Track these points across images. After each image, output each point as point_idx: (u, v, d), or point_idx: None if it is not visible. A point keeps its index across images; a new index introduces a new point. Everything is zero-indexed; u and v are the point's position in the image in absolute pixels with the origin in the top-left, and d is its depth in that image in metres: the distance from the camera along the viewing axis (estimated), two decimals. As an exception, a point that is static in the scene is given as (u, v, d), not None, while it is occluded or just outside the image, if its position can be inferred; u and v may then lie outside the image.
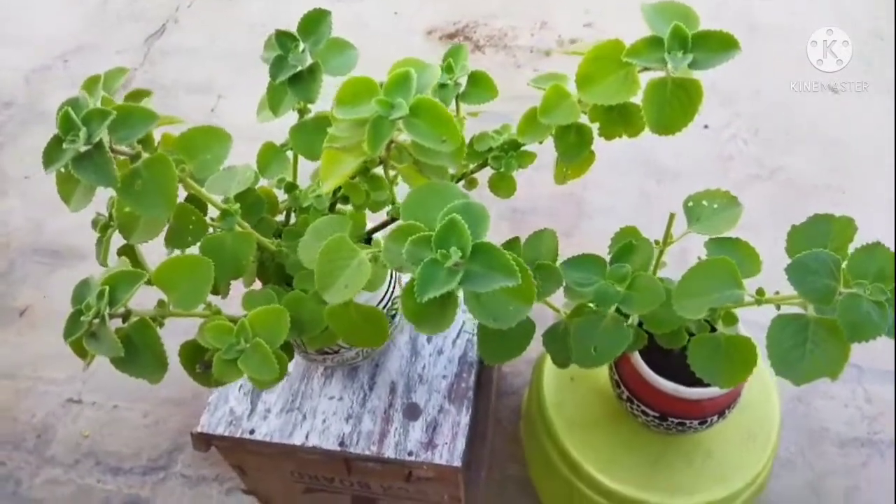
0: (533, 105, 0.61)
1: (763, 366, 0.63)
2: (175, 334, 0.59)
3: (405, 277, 0.86)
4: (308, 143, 0.66)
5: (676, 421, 0.78)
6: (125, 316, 0.56)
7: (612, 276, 0.65)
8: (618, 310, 0.65)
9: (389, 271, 0.75)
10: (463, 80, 0.66)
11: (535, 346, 0.66)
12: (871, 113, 1.61)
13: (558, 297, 0.67)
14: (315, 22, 0.63)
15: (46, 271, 1.53)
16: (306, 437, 0.82)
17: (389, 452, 0.80)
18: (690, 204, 0.69)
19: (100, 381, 1.34)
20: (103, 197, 0.60)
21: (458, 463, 0.79)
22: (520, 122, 0.62)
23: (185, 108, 1.78)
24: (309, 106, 0.66)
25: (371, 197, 0.66)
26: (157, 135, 0.59)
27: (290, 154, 0.72)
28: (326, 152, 0.55)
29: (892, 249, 0.54)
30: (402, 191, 0.65)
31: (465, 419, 0.82)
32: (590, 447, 0.88)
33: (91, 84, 0.57)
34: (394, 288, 0.79)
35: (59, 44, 2.01)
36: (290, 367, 0.87)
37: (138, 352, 0.55)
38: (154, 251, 0.65)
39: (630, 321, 0.65)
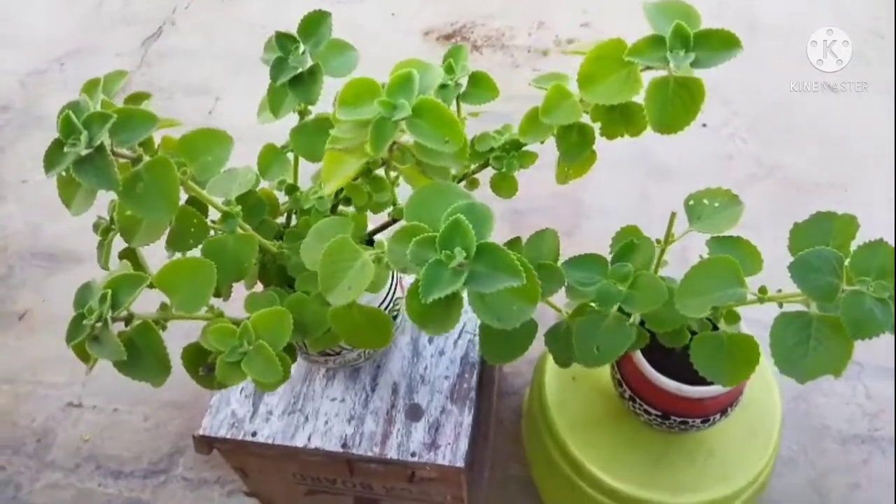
0: (531, 105, 0.61)
1: (764, 363, 0.63)
2: (175, 337, 0.59)
3: (406, 279, 0.86)
4: (309, 145, 0.66)
5: (679, 419, 0.78)
6: (128, 319, 0.56)
7: (615, 275, 0.65)
8: (620, 309, 0.65)
9: (391, 272, 0.75)
10: (463, 81, 0.66)
11: (536, 346, 0.66)
12: (871, 112, 1.61)
13: (559, 297, 0.67)
14: (315, 23, 0.63)
15: (45, 275, 1.52)
16: (308, 438, 0.82)
17: (392, 453, 0.80)
18: (691, 203, 0.69)
19: (100, 384, 1.34)
20: (102, 201, 0.60)
21: (461, 463, 0.79)
22: (521, 122, 0.62)
23: (183, 111, 1.78)
24: (309, 107, 0.66)
25: (373, 198, 0.66)
26: (156, 138, 0.59)
27: (290, 156, 0.72)
28: (329, 154, 0.55)
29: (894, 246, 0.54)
30: (402, 192, 0.65)
31: (467, 419, 0.82)
32: (592, 446, 0.88)
33: (91, 87, 0.57)
34: (395, 289, 0.79)
35: (55, 47, 2.00)
36: (292, 369, 0.87)
37: (141, 355, 0.55)
38: (155, 254, 0.65)
39: (632, 320, 0.65)
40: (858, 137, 1.57)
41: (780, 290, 0.60)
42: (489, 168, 0.70)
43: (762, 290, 0.60)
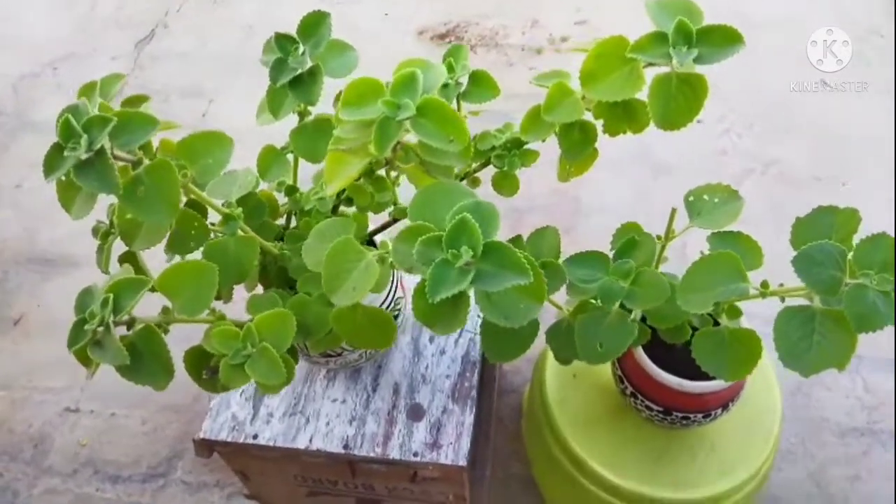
0: (527, 103, 0.61)
1: (764, 358, 0.63)
2: (176, 341, 0.58)
3: (407, 278, 0.85)
4: (309, 146, 0.65)
5: (681, 415, 0.78)
6: (129, 323, 0.56)
7: (616, 272, 0.65)
8: (622, 306, 0.65)
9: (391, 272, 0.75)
10: (464, 80, 0.66)
11: (536, 344, 0.66)
12: (871, 112, 1.62)
13: (560, 295, 0.67)
14: (314, 24, 0.62)
15: (40, 280, 1.51)
16: (310, 440, 0.82)
17: (394, 454, 0.80)
18: (691, 198, 0.69)
19: (97, 389, 1.33)
20: (101, 205, 0.59)
21: (463, 462, 0.79)
22: (523, 120, 0.62)
23: (177, 113, 1.77)
24: (309, 108, 0.66)
25: (375, 198, 0.66)
26: (154, 141, 0.59)
27: (290, 157, 0.71)
28: (331, 154, 0.55)
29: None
30: (403, 192, 0.65)
31: (469, 418, 0.82)
32: (593, 443, 0.88)
33: (87, 90, 0.57)
34: (395, 289, 0.79)
35: (48, 50, 1.99)
36: (293, 370, 0.87)
37: (144, 359, 0.55)
38: (154, 258, 0.65)
39: (633, 316, 0.65)
40: (858, 137, 1.58)
41: (781, 285, 0.60)
42: (490, 166, 0.70)
43: (764, 284, 0.60)
